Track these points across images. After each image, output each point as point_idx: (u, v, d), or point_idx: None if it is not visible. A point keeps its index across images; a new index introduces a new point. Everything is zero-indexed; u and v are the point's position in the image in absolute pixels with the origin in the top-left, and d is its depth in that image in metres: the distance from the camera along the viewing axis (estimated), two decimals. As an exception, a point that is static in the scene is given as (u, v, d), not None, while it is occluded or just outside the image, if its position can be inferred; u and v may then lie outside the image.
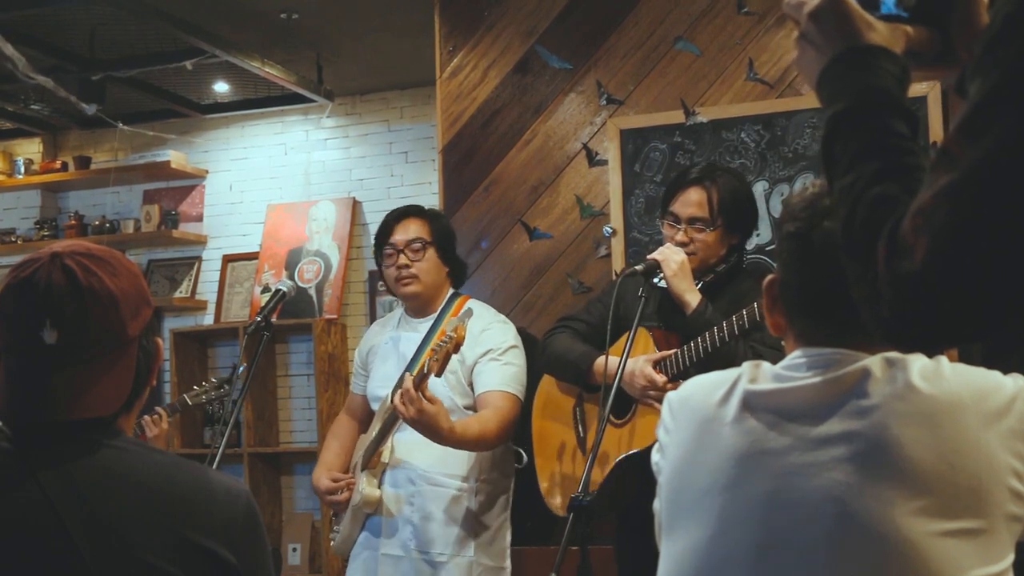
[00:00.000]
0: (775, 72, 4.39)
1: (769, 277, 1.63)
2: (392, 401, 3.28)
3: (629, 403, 3.31)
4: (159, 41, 5.45)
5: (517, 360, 3.49)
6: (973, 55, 1.18)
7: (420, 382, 3.13)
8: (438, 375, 3.11)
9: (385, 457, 3.43)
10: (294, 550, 6.49)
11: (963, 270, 1.11)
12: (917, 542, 1.39)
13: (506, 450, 3.56)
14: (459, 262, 3.67)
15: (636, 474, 3.20)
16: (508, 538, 3.55)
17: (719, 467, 1.53)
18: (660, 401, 3.17)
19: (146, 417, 4.50)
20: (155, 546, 1.57)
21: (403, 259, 3.53)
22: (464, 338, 3.07)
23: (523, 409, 3.55)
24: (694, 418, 1.60)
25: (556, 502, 3.49)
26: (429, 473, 3.41)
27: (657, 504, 1.66)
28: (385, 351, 3.61)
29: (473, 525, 3.41)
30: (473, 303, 3.62)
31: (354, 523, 3.52)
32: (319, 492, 3.66)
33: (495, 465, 3.50)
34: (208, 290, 6.93)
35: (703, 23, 4.51)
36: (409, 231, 3.56)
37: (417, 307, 3.59)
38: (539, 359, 3.62)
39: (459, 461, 3.41)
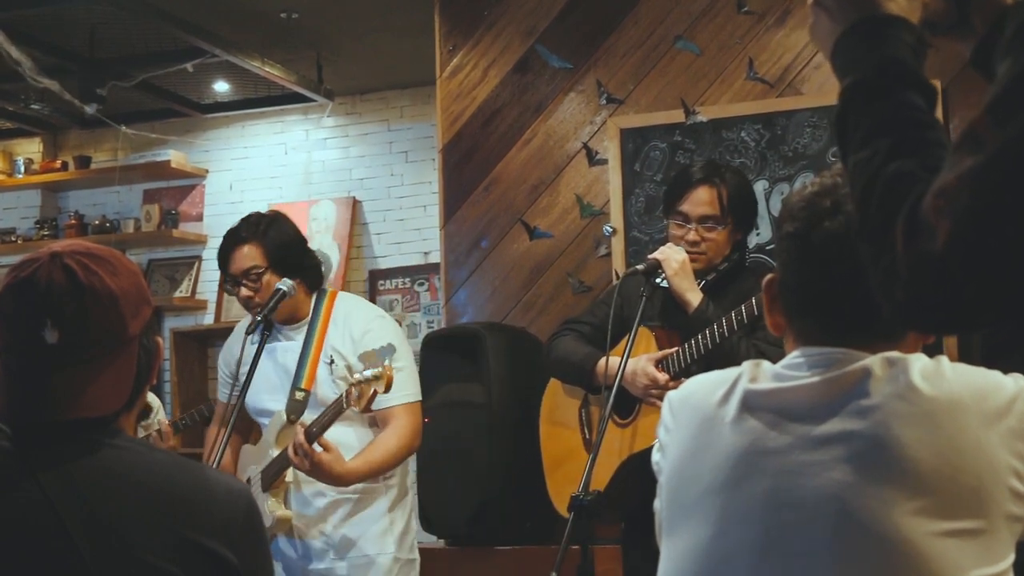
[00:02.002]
0: (775, 71, 4.39)
1: (768, 276, 1.62)
2: (290, 427, 3.25)
3: (633, 403, 3.31)
4: (159, 41, 5.45)
5: (405, 360, 3.35)
6: (1001, 32, 1.14)
7: (317, 434, 3.09)
8: (363, 411, 3.08)
9: (290, 477, 3.34)
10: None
11: (986, 256, 1.07)
12: (917, 542, 1.39)
13: None
14: (308, 267, 3.43)
15: (641, 474, 3.20)
16: (416, 527, 3.52)
17: (719, 466, 1.53)
18: (663, 399, 3.17)
19: (154, 434, 4.49)
20: (155, 546, 1.57)
21: (244, 291, 3.34)
22: (393, 379, 3.03)
23: (529, 406, 3.47)
24: (694, 417, 1.60)
25: (562, 504, 3.49)
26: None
27: (657, 504, 1.66)
28: (260, 362, 3.36)
29: (386, 522, 3.38)
30: (344, 297, 3.50)
31: None
32: None
33: None
34: (208, 290, 6.93)
35: (703, 22, 4.51)
36: (242, 260, 3.34)
37: (283, 320, 3.42)
38: (544, 363, 3.62)
39: None
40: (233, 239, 3.39)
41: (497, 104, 4.77)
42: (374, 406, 3.22)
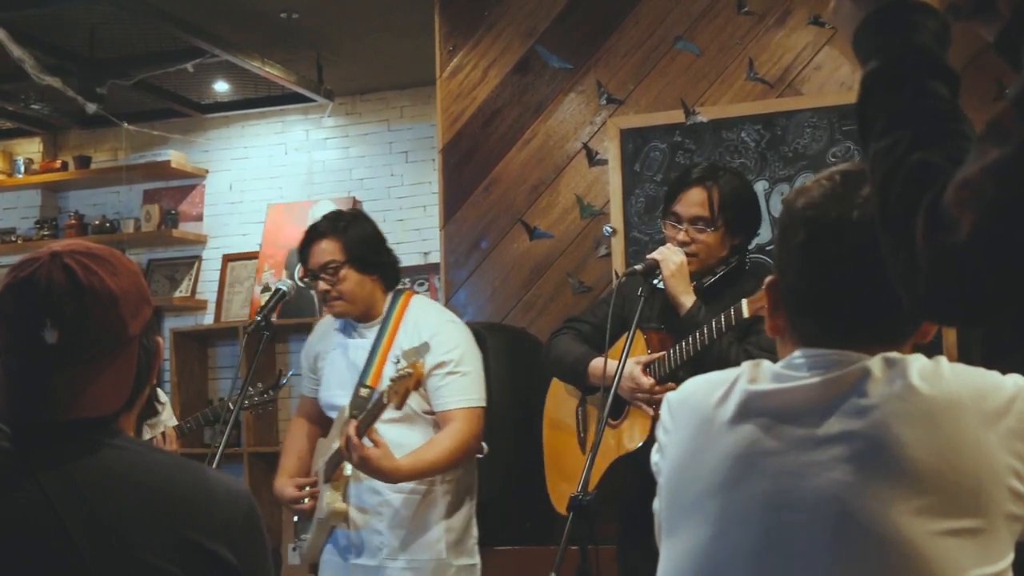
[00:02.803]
0: (775, 72, 4.40)
1: (770, 279, 1.61)
2: (353, 419, 3.28)
3: (624, 404, 3.32)
4: (159, 41, 5.45)
5: (472, 366, 3.40)
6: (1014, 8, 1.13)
7: (365, 428, 3.11)
8: (398, 408, 3.09)
9: (347, 471, 3.38)
10: (294, 550, 6.48)
11: (1011, 248, 1.06)
12: (917, 542, 1.39)
13: None
14: (386, 264, 3.49)
15: (628, 475, 3.20)
16: (476, 533, 3.52)
17: (718, 467, 1.53)
18: (648, 404, 3.18)
19: (158, 437, 4.49)
20: (155, 546, 1.56)
21: (322, 284, 3.40)
22: (423, 374, 3.04)
23: (530, 405, 3.49)
24: (693, 418, 1.60)
25: (561, 503, 3.50)
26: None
27: (657, 504, 1.66)
28: (334, 358, 3.51)
29: (443, 527, 3.38)
30: (418, 300, 3.53)
31: (320, 533, 3.49)
32: (283, 500, 3.59)
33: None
34: (208, 289, 6.93)
35: (703, 23, 4.51)
36: (321, 254, 3.40)
37: (358, 317, 3.49)
38: (542, 361, 3.62)
39: None
40: (313, 234, 3.45)
41: (497, 104, 4.77)
42: (436, 408, 3.31)
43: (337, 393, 3.48)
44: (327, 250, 3.40)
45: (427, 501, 3.37)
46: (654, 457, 1.68)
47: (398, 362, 3.31)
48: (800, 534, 1.45)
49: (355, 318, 3.47)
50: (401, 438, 3.27)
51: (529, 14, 4.75)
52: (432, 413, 3.37)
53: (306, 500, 3.51)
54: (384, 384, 3.28)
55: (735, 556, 1.49)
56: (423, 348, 3.14)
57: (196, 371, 6.78)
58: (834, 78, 4.34)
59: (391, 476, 3.20)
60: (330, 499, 3.41)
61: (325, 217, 3.50)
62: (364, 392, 3.36)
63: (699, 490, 1.54)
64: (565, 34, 4.69)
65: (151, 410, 4.47)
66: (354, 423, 3.17)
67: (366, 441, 3.15)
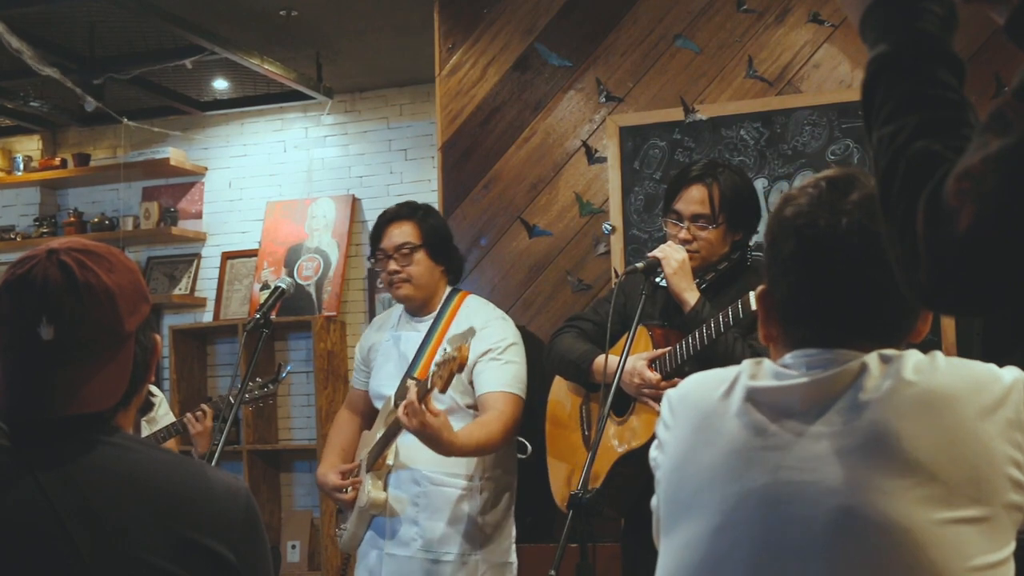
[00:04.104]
0: (774, 69, 4.39)
1: (761, 288, 1.62)
2: (396, 410, 3.30)
3: (629, 401, 3.32)
4: (158, 38, 5.45)
5: (517, 357, 3.49)
6: None
7: (423, 395, 3.13)
8: (442, 391, 3.11)
9: (389, 460, 3.44)
10: (293, 548, 6.49)
11: (1011, 241, 1.06)
12: (919, 531, 1.40)
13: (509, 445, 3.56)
14: (454, 259, 3.64)
15: (635, 471, 3.20)
16: (513, 533, 3.55)
17: (719, 462, 1.53)
18: (655, 399, 3.18)
19: (188, 415, 4.49)
20: (154, 544, 1.56)
21: (393, 264, 3.51)
22: (467, 358, 3.07)
23: (532, 405, 3.54)
24: (694, 414, 1.60)
25: (564, 501, 3.50)
26: (433, 474, 3.42)
27: (655, 501, 1.66)
28: (386, 349, 3.61)
29: (478, 523, 3.42)
30: (472, 299, 3.62)
31: (360, 522, 3.54)
32: (326, 488, 3.67)
33: (498, 462, 3.51)
34: (207, 287, 6.93)
35: (702, 20, 4.51)
36: (397, 235, 3.53)
37: (415, 307, 3.58)
38: (545, 359, 3.63)
39: (462, 461, 3.42)
40: (390, 216, 3.58)
41: (496, 102, 4.77)
42: (479, 391, 3.38)
43: (385, 383, 3.56)
44: (404, 232, 3.51)
45: (466, 496, 3.41)
46: (653, 453, 1.68)
47: (445, 352, 3.35)
48: (800, 528, 1.46)
49: (414, 307, 3.56)
50: None
51: (528, 12, 4.75)
52: (474, 408, 3.40)
53: (348, 490, 3.55)
54: (431, 370, 3.33)
55: (734, 549, 1.49)
56: (469, 332, 3.18)
57: (195, 369, 6.78)
58: (833, 76, 4.34)
59: (448, 447, 3.20)
60: (371, 488, 3.46)
61: (402, 204, 3.63)
62: (410, 383, 3.40)
63: (699, 485, 1.55)
64: (564, 32, 4.69)
65: (147, 406, 4.47)
66: (415, 388, 3.19)
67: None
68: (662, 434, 1.66)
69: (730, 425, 1.54)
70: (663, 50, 4.54)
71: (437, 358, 3.18)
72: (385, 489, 3.46)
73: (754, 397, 1.54)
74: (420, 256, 3.51)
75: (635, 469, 3.19)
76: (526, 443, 3.58)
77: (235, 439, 6.35)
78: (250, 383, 4.53)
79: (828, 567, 1.43)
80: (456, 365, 3.05)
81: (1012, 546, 1.44)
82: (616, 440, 3.33)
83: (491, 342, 3.45)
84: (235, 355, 6.73)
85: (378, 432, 3.49)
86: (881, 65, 1.24)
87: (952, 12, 1.25)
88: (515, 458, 3.58)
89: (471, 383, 3.46)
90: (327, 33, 5.80)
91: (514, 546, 3.54)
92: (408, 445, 3.40)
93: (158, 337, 1.77)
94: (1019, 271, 1.07)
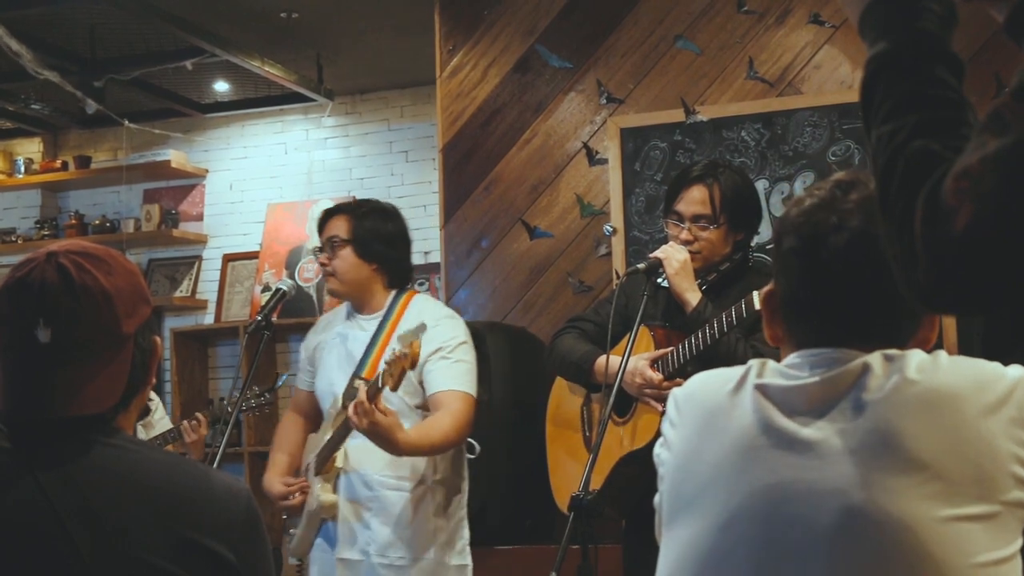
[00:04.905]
0: (775, 71, 4.40)
1: (766, 289, 1.64)
2: (345, 410, 3.26)
3: (631, 402, 3.31)
4: (159, 40, 5.45)
5: (467, 356, 3.41)
6: None
7: (374, 395, 3.09)
8: (393, 389, 3.06)
9: (339, 462, 3.37)
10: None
11: (1009, 241, 1.06)
12: (923, 528, 1.40)
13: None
14: (391, 261, 3.51)
15: (639, 472, 3.20)
16: (466, 535, 3.50)
17: (724, 460, 1.54)
18: (658, 399, 3.18)
19: (184, 423, 4.48)
20: (155, 545, 1.57)
21: (323, 257, 3.49)
22: (419, 355, 3.02)
23: (532, 405, 3.49)
24: (700, 412, 1.61)
25: (565, 502, 3.49)
26: (384, 477, 3.35)
27: (658, 499, 1.67)
28: (332, 347, 3.53)
29: (432, 526, 3.37)
30: (421, 297, 3.56)
31: (310, 527, 3.48)
32: (272, 497, 3.59)
33: (449, 463, 3.45)
34: (208, 289, 6.93)
35: (703, 22, 4.51)
36: (331, 228, 3.50)
37: (354, 304, 3.52)
38: (546, 360, 3.62)
39: (413, 463, 3.36)
40: (332, 210, 3.57)
41: (497, 104, 4.77)
42: (430, 390, 3.31)
43: (333, 381, 3.49)
44: (336, 226, 3.48)
45: (417, 499, 3.35)
46: (657, 450, 1.69)
47: (395, 349, 3.32)
48: (803, 525, 1.46)
49: (352, 305, 3.51)
50: None
51: (529, 13, 4.75)
52: (424, 408, 3.36)
53: (295, 495, 3.50)
54: (380, 369, 3.30)
55: (738, 546, 1.50)
56: (419, 329, 3.12)
57: (196, 371, 6.78)
58: (834, 77, 4.34)
59: (400, 446, 3.15)
60: (320, 491, 3.39)
61: (356, 201, 3.65)
62: (359, 383, 3.35)
63: (703, 482, 1.56)
64: (565, 33, 4.69)
65: (143, 411, 4.48)
66: (364, 388, 3.14)
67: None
68: (667, 432, 1.67)
69: (736, 423, 1.55)
70: (664, 51, 4.54)
71: (387, 356, 3.13)
72: (335, 492, 3.41)
73: (761, 396, 1.54)
74: (346, 252, 3.44)
75: (637, 469, 3.18)
76: (475, 443, 3.54)
77: (236, 441, 6.35)
78: (247, 392, 4.53)
79: (832, 564, 1.44)
80: (408, 362, 3.00)
81: (1018, 543, 1.44)
82: (618, 441, 3.33)
83: (441, 340, 3.36)
84: (236, 357, 6.73)
85: (326, 434, 3.43)
86: (881, 64, 1.24)
87: (951, 11, 1.25)
88: (465, 459, 3.53)
89: (421, 383, 3.40)
90: (328, 35, 5.80)
91: (468, 548, 3.50)
92: (358, 447, 3.34)
93: (158, 339, 1.77)
94: (1017, 271, 1.07)
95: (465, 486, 3.52)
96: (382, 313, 3.47)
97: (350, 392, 3.36)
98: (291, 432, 3.68)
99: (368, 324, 3.48)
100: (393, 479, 3.36)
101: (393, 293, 3.51)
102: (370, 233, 3.47)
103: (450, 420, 3.28)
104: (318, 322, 3.75)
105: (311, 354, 3.61)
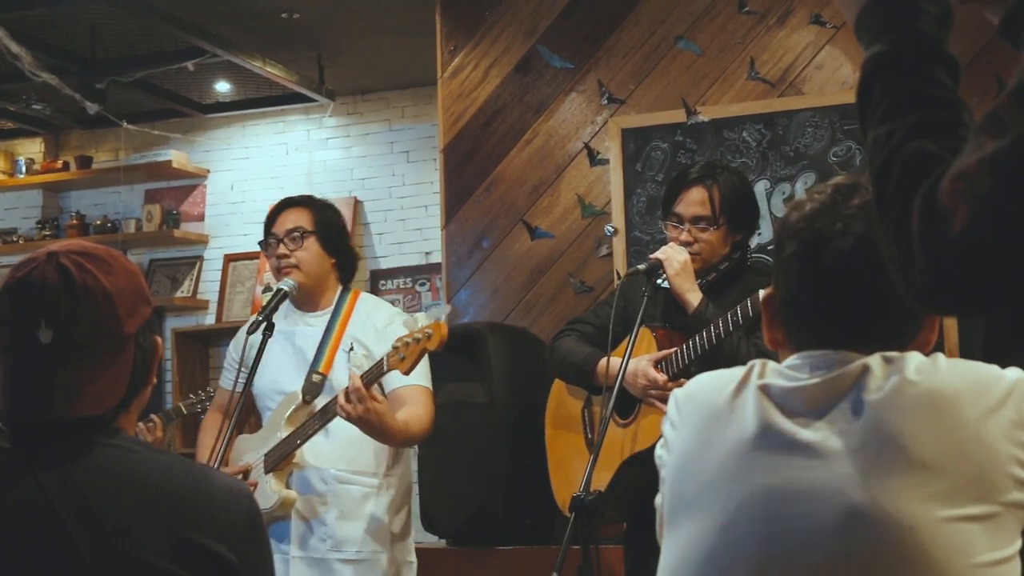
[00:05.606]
0: (776, 71, 4.40)
1: (766, 293, 1.64)
2: (308, 406, 3.26)
3: (634, 403, 3.31)
4: (160, 41, 5.45)
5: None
6: None
7: (376, 379, 3.08)
8: (406, 373, 3.05)
9: (296, 459, 3.34)
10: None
11: (1006, 242, 1.06)
12: (923, 528, 1.41)
13: None
14: (347, 256, 3.52)
15: (643, 473, 3.20)
16: (413, 531, 3.52)
17: (725, 460, 1.54)
18: (662, 400, 3.18)
19: (140, 425, 4.48)
20: (155, 545, 1.57)
21: (282, 248, 3.42)
22: (447, 336, 3.00)
23: (533, 406, 3.47)
24: (701, 413, 1.61)
25: (566, 504, 3.49)
26: (340, 472, 3.34)
27: (659, 500, 1.67)
28: (277, 345, 3.42)
29: (386, 521, 3.37)
30: (367, 296, 3.55)
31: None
32: None
33: (400, 459, 3.46)
34: (210, 290, 6.94)
35: (704, 22, 4.51)
36: (290, 220, 3.45)
37: (302, 299, 3.46)
38: (546, 362, 3.62)
39: (367, 459, 3.35)
40: (286, 203, 3.52)
41: (498, 104, 4.77)
42: (391, 385, 3.27)
43: (282, 380, 3.44)
44: (297, 217, 3.44)
45: (372, 495, 3.35)
46: (658, 451, 1.69)
47: (351, 349, 3.33)
48: (804, 526, 1.46)
49: (300, 298, 3.44)
50: (351, 430, 3.19)
51: (530, 14, 4.75)
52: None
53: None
54: (340, 373, 3.28)
55: (739, 547, 1.50)
56: (440, 310, 3.12)
57: (197, 371, 6.78)
58: (835, 77, 4.34)
59: (394, 433, 3.14)
60: (275, 489, 3.33)
61: (303, 195, 3.57)
62: (317, 379, 3.35)
63: (705, 482, 1.56)
64: (566, 34, 4.69)
65: None
66: (357, 376, 3.12)
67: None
68: (668, 433, 1.67)
69: (737, 424, 1.55)
70: (665, 52, 4.54)
71: (399, 340, 3.08)
72: (289, 488, 3.38)
73: (761, 397, 1.55)
74: (311, 243, 3.41)
75: (643, 471, 3.18)
76: None
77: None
78: (200, 393, 4.53)
79: (832, 564, 1.44)
80: (435, 342, 2.97)
81: (1018, 544, 1.45)
82: (622, 442, 3.33)
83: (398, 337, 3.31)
84: (237, 357, 6.73)
85: (277, 431, 3.37)
86: (878, 64, 1.24)
87: (948, 12, 1.25)
88: (408, 452, 3.53)
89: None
90: (329, 35, 5.80)
91: (414, 544, 3.50)
92: (313, 443, 3.32)
93: (159, 339, 1.77)
94: (1014, 272, 1.07)
95: (411, 485, 3.53)
96: (330, 310, 3.45)
97: (309, 387, 3.34)
98: (215, 432, 3.60)
99: (316, 321, 3.45)
100: (349, 474, 3.35)
101: (340, 289, 3.50)
102: (331, 226, 3.46)
103: (425, 414, 3.30)
104: (251, 320, 3.57)
105: (243, 353, 3.44)
